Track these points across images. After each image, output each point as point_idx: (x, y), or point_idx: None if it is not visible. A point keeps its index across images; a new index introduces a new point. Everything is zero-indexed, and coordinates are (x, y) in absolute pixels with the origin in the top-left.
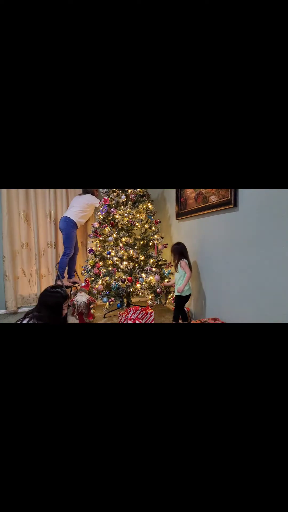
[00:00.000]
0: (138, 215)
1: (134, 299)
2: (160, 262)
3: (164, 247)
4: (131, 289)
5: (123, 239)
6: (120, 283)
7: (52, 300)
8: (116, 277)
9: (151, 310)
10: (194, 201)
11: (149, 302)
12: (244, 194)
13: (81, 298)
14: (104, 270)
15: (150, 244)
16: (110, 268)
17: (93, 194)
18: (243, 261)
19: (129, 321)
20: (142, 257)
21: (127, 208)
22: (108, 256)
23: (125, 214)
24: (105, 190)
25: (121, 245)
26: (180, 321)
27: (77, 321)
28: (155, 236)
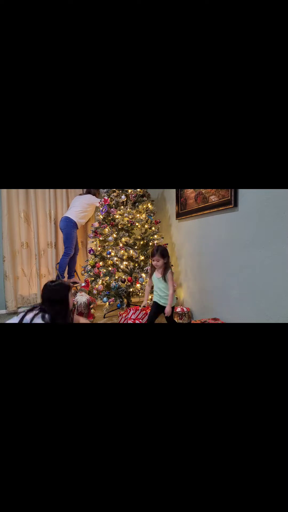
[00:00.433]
0: (138, 215)
1: (134, 299)
2: None
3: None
4: (131, 289)
5: (123, 239)
6: (120, 283)
7: (58, 294)
8: (116, 277)
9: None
10: (194, 201)
11: (149, 302)
12: (244, 194)
13: (81, 298)
14: (104, 270)
15: (150, 244)
16: (110, 268)
17: (94, 195)
18: (243, 261)
19: (129, 321)
20: (142, 257)
21: (127, 208)
22: (108, 256)
23: (125, 214)
24: (105, 190)
25: (121, 245)
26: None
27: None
28: (155, 236)
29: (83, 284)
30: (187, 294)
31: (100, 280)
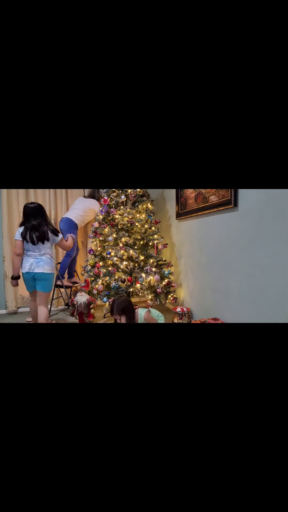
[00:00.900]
0: (138, 215)
1: (134, 299)
2: (160, 262)
3: (164, 247)
4: (131, 289)
5: (123, 239)
6: (120, 283)
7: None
8: (116, 277)
9: None
10: (194, 201)
11: (149, 302)
12: (244, 194)
13: (81, 298)
14: (104, 270)
15: (150, 244)
16: (110, 268)
17: (97, 200)
18: (243, 261)
19: None
20: (142, 257)
21: (127, 208)
22: (108, 256)
23: (125, 214)
24: (105, 190)
25: (121, 245)
26: None
27: (77, 321)
28: (155, 236)
29: (83, 284)
30: (187, 294)
31: (100, 280)
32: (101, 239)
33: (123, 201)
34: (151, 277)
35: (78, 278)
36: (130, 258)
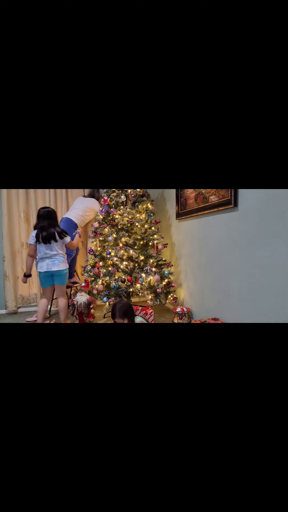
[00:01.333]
0: (138, 215)
1: (134, 299)
2: (160, 262)
3: (164, 247)
4: (131, 289)
5: (122, 239)
6: (120, 283)
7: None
8: (116, 277)
9: (151, 310)
10: (194, 201)
11: (149, 302)
12: (244, 194)
13: (81, 298)
14: (104, 270)
15: (150, 244)
16: (110, 268)
17: (97, 199)
18: (243, 261)
19: None
20: (142, 257)
21: (127, 208)
22: (108, 256)
23: (125, 214)
24: (105, 190)
25: (121, 245)
26: None
27: (77, 321)
28: (155, 236)
29: (83, 284)
30: (187, 294)
31: (100, 280)
32: (101, 239)
33: (123, 201)
34: (151, 277)
35: (78, 278)
36: (130, 258)
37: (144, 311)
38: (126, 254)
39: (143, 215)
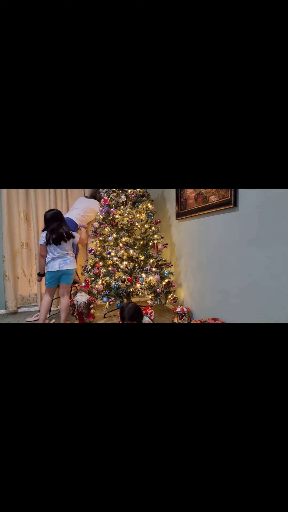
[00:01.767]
0: (138, 215)
1: (134, 299)
2: (160, 262)
3: (164, 247)
4: (131, 289)
5: (123, 239)
6: (120, 283)
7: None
8: (116, 277)
9: (151, 310)
10: (194, 201)
11: (149, 302)
12: (244, 194)
13: (81, 298)
14: (104, 270)
15: (150, 244)
16: (110, 268)
17: (99, 200)
18: (243, 261)
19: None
20: (142, 257)
21: (127, 208)
22: (108, 256)
23: (125, 214)
24: (105, 190)
25: (121, 245)
26: None
27: (77, 321)
28: (155, 236)
29: (83, 284)
30: (187, 294)
31: (100, 280)
32: (101, 239)
33: (123, 201)
34: (151, 277)
35: (78, 278)
36: (130, 258)
37: (144, 311)
38: (126, 254)
39: (143, 215)
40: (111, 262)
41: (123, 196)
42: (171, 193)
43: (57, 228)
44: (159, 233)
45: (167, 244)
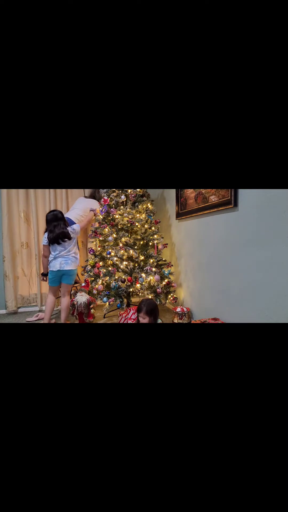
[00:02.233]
0: (138, 215)
1: (134, 299)
2: (160, 262)
3: (164, 247)
4: (131, 289)
5: (123, 239)
6: (120, 283)
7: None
8: (116, 277)
9: None
10: (194, 201)
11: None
12: (244, 194)
13: (81, 298)
14: (104, 270)
15: (150, 244)
16: (110, 268)
17: (99, 200)
18: (243, 261)
19: (129, 321)
20: (142, 257)
21: (127, 208)
22: (108, 256)
23: (125, 214)
24: (105, 190)
25: (121, 245)
26: None
27: (77, 321)
28: (155, 236)
29: (83, 284)
30: (187, 294)
31: (100, 280)
32: (101, 239)
33: (123, 201)
34: (151, 277)
35: (78, 278)
36: (130, 258)
37: None
38: (126, 254)
39: (143, 215)
40: (111, 262)
41: (123, 196)
42: (171, 193)
43: (57, 227)
44: (159, 233)
45: (167, 244)
